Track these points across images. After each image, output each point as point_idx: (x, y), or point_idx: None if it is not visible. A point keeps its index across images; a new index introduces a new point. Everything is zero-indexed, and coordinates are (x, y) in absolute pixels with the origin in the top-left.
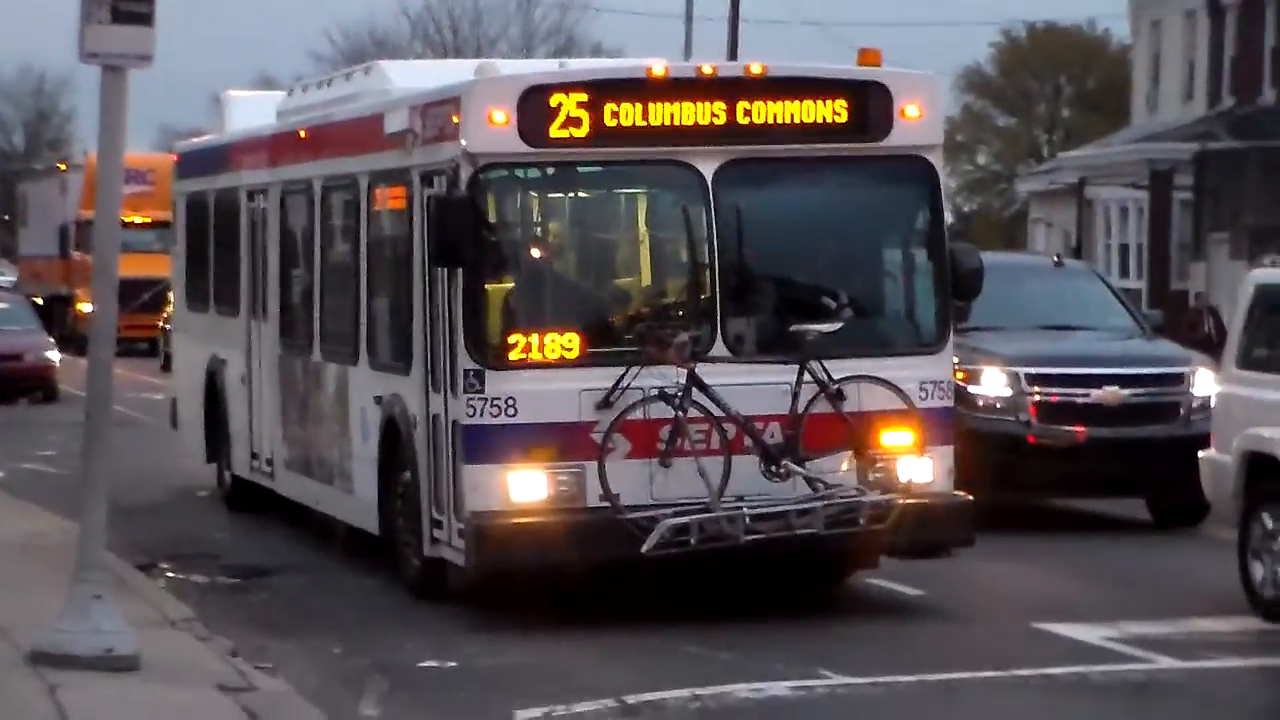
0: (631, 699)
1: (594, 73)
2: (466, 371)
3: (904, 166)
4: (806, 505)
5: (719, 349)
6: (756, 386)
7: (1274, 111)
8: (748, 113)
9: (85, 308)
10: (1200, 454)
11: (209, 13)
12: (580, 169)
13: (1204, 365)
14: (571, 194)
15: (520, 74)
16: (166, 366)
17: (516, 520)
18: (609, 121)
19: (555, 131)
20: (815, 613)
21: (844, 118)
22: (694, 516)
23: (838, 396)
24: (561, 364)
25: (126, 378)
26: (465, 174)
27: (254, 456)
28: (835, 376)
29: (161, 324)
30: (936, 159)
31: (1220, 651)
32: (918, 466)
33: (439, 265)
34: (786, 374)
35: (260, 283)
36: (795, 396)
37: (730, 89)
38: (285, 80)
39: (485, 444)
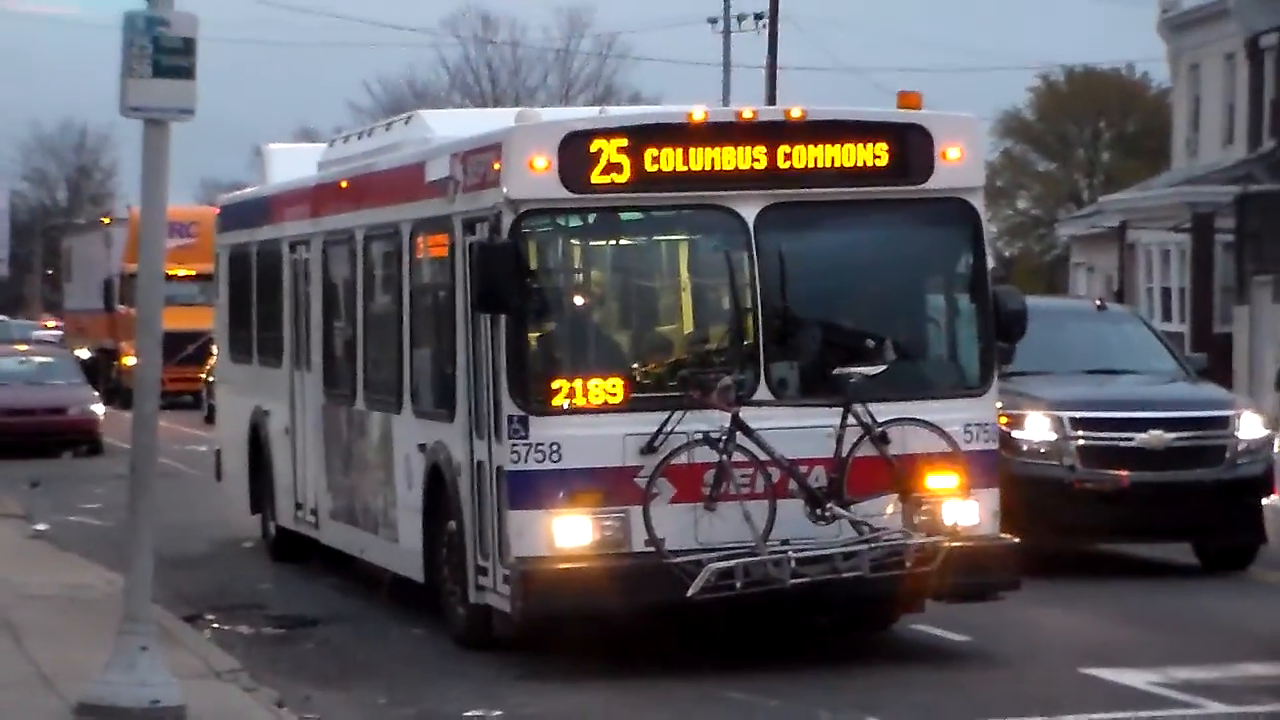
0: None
1: (634, 118)
2: (510, 417)
3: (946, 208)
4: (852, 548)
5: (762, 393)
6: (800, 430)
7: None
8: (788, 156)
9: (130, 361)
10: (1265, 500)
11: (249, 66)
12: (621, 214)
13: (1249, 408)
14: (613, 239)
15: (561, 120)
16: (210, 419)
17: (562, 566)
18: (650, 167)
19: (596, 177)
20: (860, 659)
21: (885, 161)
22: (739, 560)
23: (882, 439)
24: (605, 409)
25: (170, 430)
26: (507, 220)
27: (299, 507)
28: (880, 419)
29: (205, 376)
30: (978, 201)
31: (1269, 696)
32: (963, 509)
33: (481, 312)
34: (830, 417)
35: (303, 333)
36: (839, 440)
37: (771, 133)
38: (326, 132)
39: (529, 490)
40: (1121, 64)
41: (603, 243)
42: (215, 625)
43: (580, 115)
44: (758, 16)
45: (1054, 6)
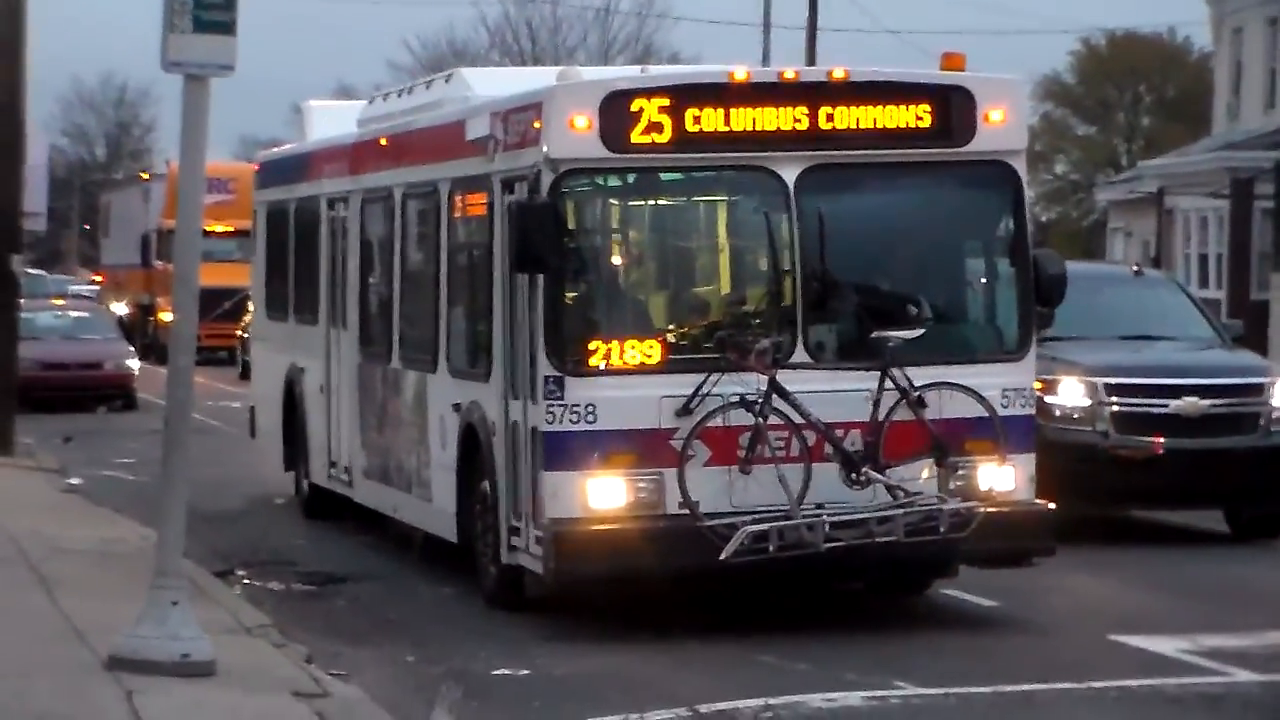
0: (704, 708)
1: (676, 78)
2: (546, 378)
3: (987, 171)
4: (887, 513)
5: (800, 355)
6: (837, 393)
7: None
8: (830, 118)
9: (166, 316)
10: None
11: (289, 23)
12: (661, 175)
13: None
14: (652, 200)
15: (602, 79)
16: (245, 375)
17: (595, 527)
18: (690, 127)
19: (637, 137)
20: (890, 623)
21: (927, 123)
22: (773, 524)
23: (919, 404)
24: (641, 370)
25: (206, 386)
26: (546, 180)
27: (332, 465)
28: (917, 383)
29: (240, 333)
30: (1020, 164)
31: None
32: (999, 475)
33: (520, 271)
34: (868, 381)
35: (340, 291)
36: (876, 403)
37: (812, 94)
38: (364, 90)
39: (564, 451)
40: (1163, 28)
41: (642, 203)
42: (246, 581)
43: (621, 74)
44: None
45: None
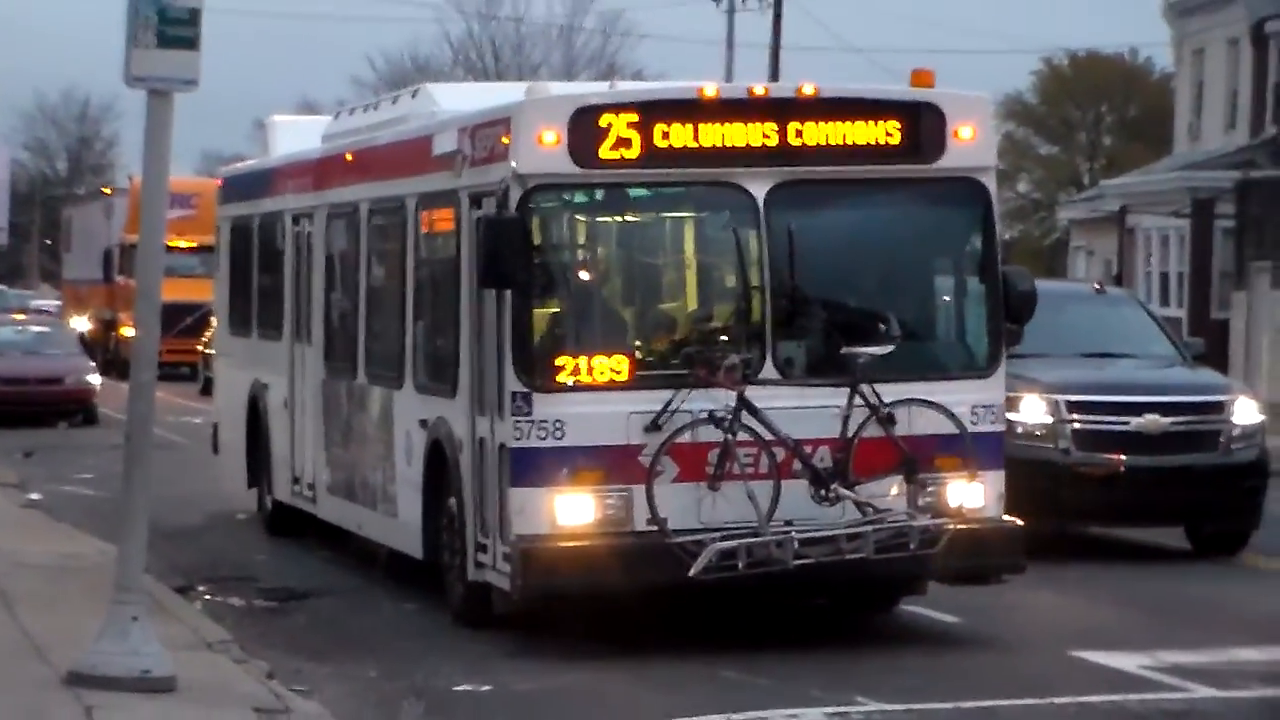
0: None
1: (645, 93)
2: (514, 394)
3: (957, 188)
4: (856, 530)
5: (769, 372)
6: (806, 410)
7: None
8: (800, 134)
9: (128, 331)
10: None
11: (253, 38)
12: (630, 191)
13: (1244, 394)
14: (621, 216)
15: (570, 94)
16: (207, 391)
17: (563, 544)
18: (660, 143)
19: (605, 153)
20: (852, 639)
21: (897, 139)
22: (742, 540)
23: (888, 420)
24: (610, 387)
25: (167, 401)
26: (515, 195)
27: (296, 481)
28: (887, 400)
29: (202, 348)
30: (990, 180)
31: (1257, 681)
32: (969, 491)
33: (487, 287)
34: (837, 397)
35: (304, 307)
36: (846, 420)
37: (782, 110)
38: (328, 106)
39: (532, 467)
40: (1125, 48)
41: (611, 219)
42: (207, 597)
43: (590, 90)
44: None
45: None
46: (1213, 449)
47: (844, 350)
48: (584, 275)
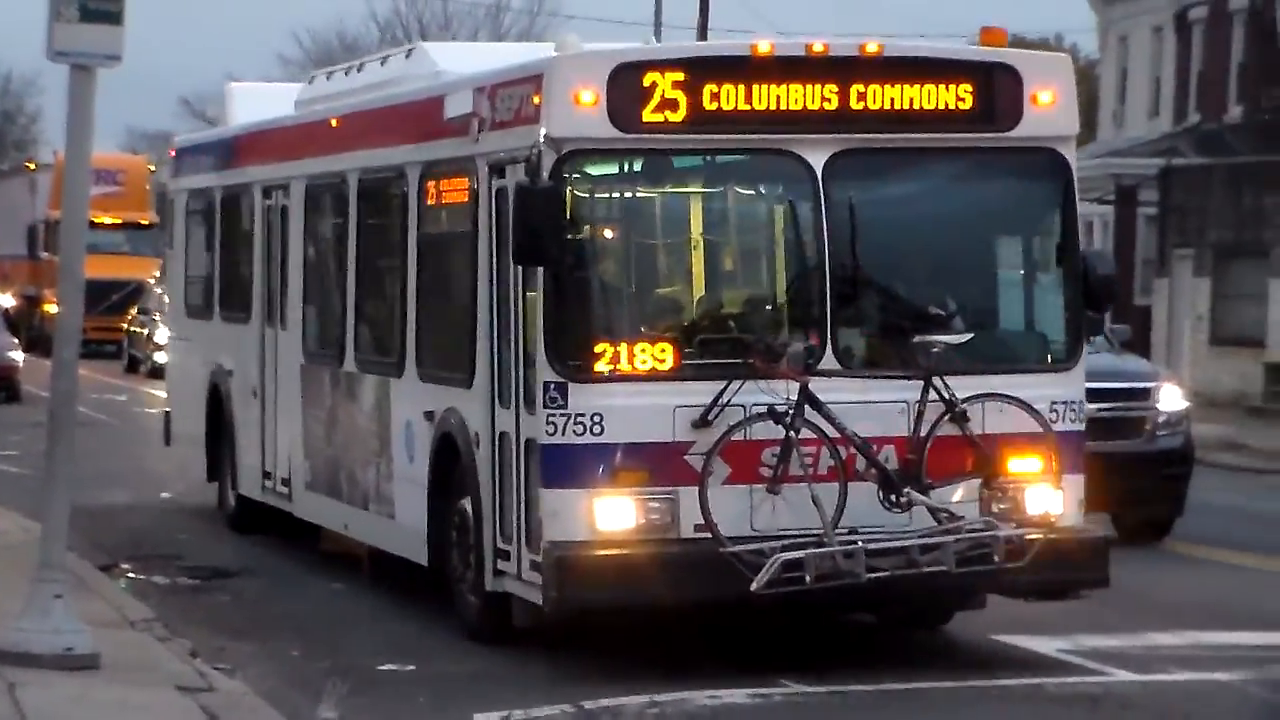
0: (589, 704)
1: (692, 50)
2: (547, 384)
3: (1035, 159)
4: (933, 540)
5: (829, 362)
6: (870, 404)
7: (1240, 128)
8: (862, 97)
9: (52, 308)
10: None
11: (176, 14)
12: (675, 158)
13: (1169, 381)
14: (665, 186)
15: (610, 49)
16: (131, 368)
17: (602, 552)
18: (708, 105)
19: (649, 115)
20: (774, 621)
21: (969, 104)
22: (809, 551)
23: (964, 417)
24: (653, 377)
25: (91, 379)
26: (548, 162)
27: (267, 476)
28: (961, 394)
29: (127, 326)
30: (1070, 151)
31: (1175, 665)
32: (1050, 497)
33: (519, 264)
34: (904, 391)
35: (277, 287)
36: (919, 417)
37: (842, 70)
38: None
39: (567, 466)
40: (1050, 34)
41: (654, 190)
42: (130, 575)
43: (630, 46)
44: None
45: None
46: (1138, 435)
47: (916, 339)
48: (624, 252)
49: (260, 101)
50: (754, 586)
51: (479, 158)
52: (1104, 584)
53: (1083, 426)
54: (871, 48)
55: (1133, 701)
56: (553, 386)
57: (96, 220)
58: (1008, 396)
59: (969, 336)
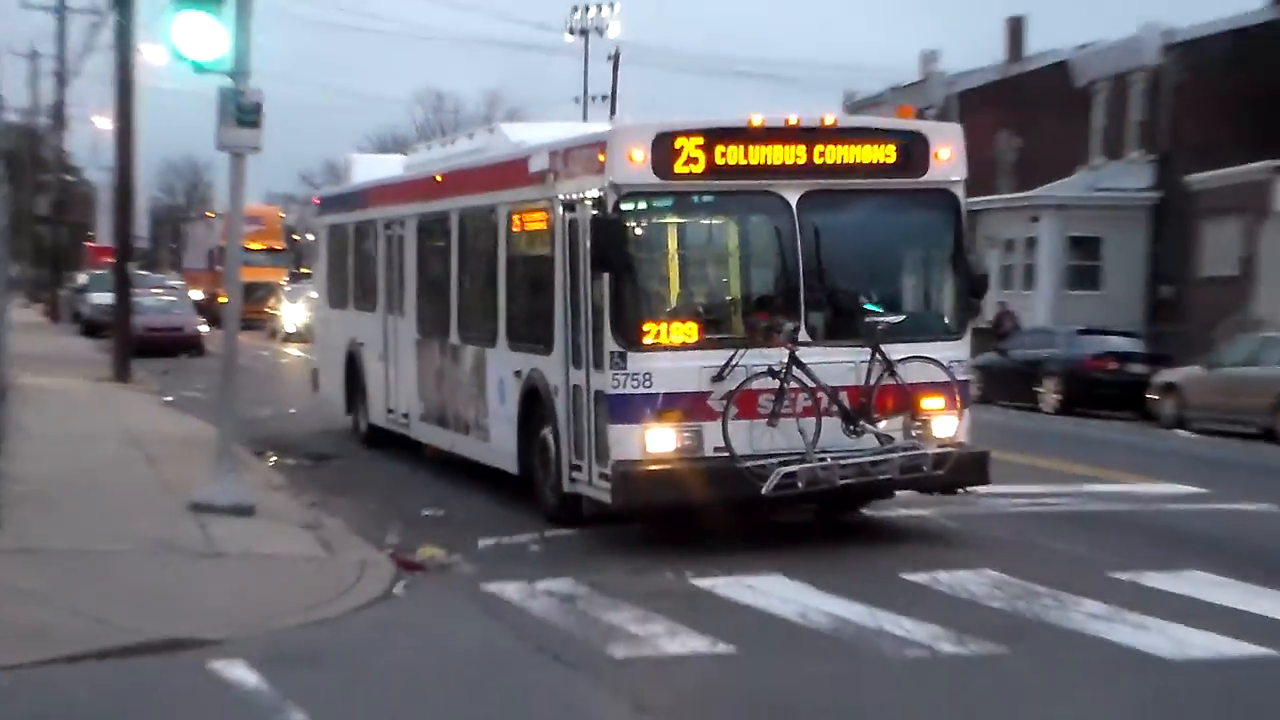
0: (549, 533)
1: (707, 123)
2: (612, 353)
3: (936, 197)
4: (883, 457)
5: (803, 336)
6: (834, 365)
7: None
8: (822, 154)
9: (223, 299)
10: None
11: (284, 121)
12: (696, 197)
13: None
14: (690, 216)
15: (651, 123)
16: (272, 336)
17: (652, 467)
18: (718, 160)
19: (678, 168)
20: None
21: (894, 159)
22: (800, 466)
23: (894, 372)
24: (684, 347)
25: (245, 342)
26: (610, 200)
27: (390, 411)
28: (895, 356)
29: (268, 309)
30: (960, 191)
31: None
32: (954, 424)
33: (597, 271)
34: (858, 354)
35: (396, 288)
36: (868, 372)
37: (809, 136)
38: (338, 163)
39: (626, 409)
40: None
41: (682, 218)
42: (273, 458)
43: (663, 121)
44: (605, 97)
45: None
46: None
47: (868, 319)
48: (663, 261)
49: (372, 166)
50: (764, 490)
51: (554, 199)
52: (986, 482)
53: (969, 376)
54: (829, 120)
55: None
56: (616, 354)
57: (247, 246)
58: (926, 357)
59: (904, 317)
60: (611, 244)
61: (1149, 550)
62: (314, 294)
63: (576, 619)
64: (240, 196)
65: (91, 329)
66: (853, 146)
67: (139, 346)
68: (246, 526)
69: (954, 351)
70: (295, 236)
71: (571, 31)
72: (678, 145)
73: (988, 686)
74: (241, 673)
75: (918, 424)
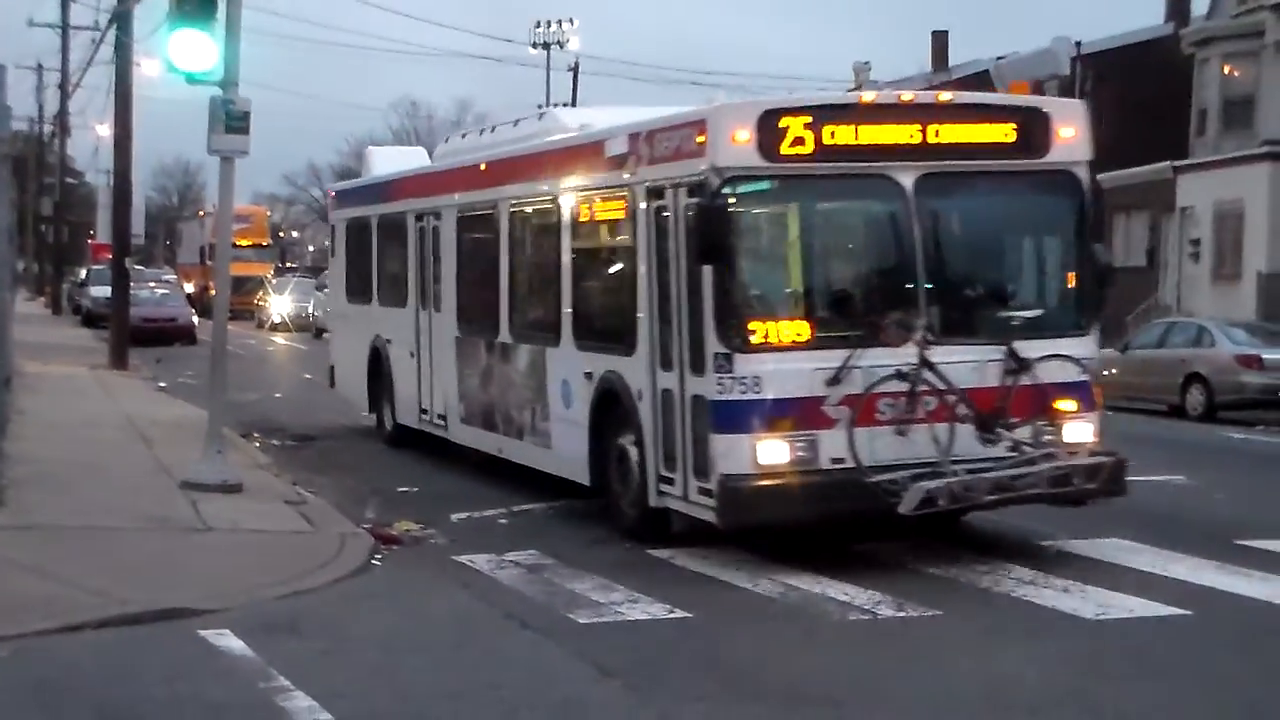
0: (516, 508)
1: (815, 99)
2: (716, 355)
3: (1059, 179)
4: (1029, 470)
5: (934, 334)
6: (964, 365)
7: None
8: (938, 133)
9: (213, 292)
10: None
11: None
12: (804, 180)
13: None
14: (797, 202)
15: (755, 100)
16: (260, 326)
17: (764, 482)
18: (827, 140)
19: (785, 149)
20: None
21: (1013, 138)
22: (945, 482)
23: (1031, 371)
24: (794, 347)
25: (234, 332)
26: (712, 186)
27: (423, 412)
28: (1029, 355)
29: (257, 301)
30: (1084, 173)
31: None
32: (1089, 428)
33: (702, 264)
34: (991, 353)
35: (429, 282)
36: (1004, 372)
37: (924, 113)
38: (323, 168)
39: (733, 416)
40: None
41: (789, 205)
42: (259, 440)
43: (767, 98)
44: (566, 104)
45: None
46: None
47: (1002, 314)
48: (770, 253)
49: (393, 158)
50: (901, 510)
51: (635, 185)
52: (1123, 494)
53: (1093, 376)
54: (944, 97)
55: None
56: (720, 357)
57: (237, 242)
58: (1063, 355)
59: (1037, 313)
60: (717, 234)
61: (1073, 520)
62: (324, 288)
63: (542, 587)
64: (230, 197)
65: (91, 320)
66: (970, 125)
67: (135, 336)
68: (235, 503)
69: (1084, 348)
70: (280, 233)
71: (535, 45)
72: (783, 124)
73: (925, 646)
74: (230, 641)
75: (1049, 428)
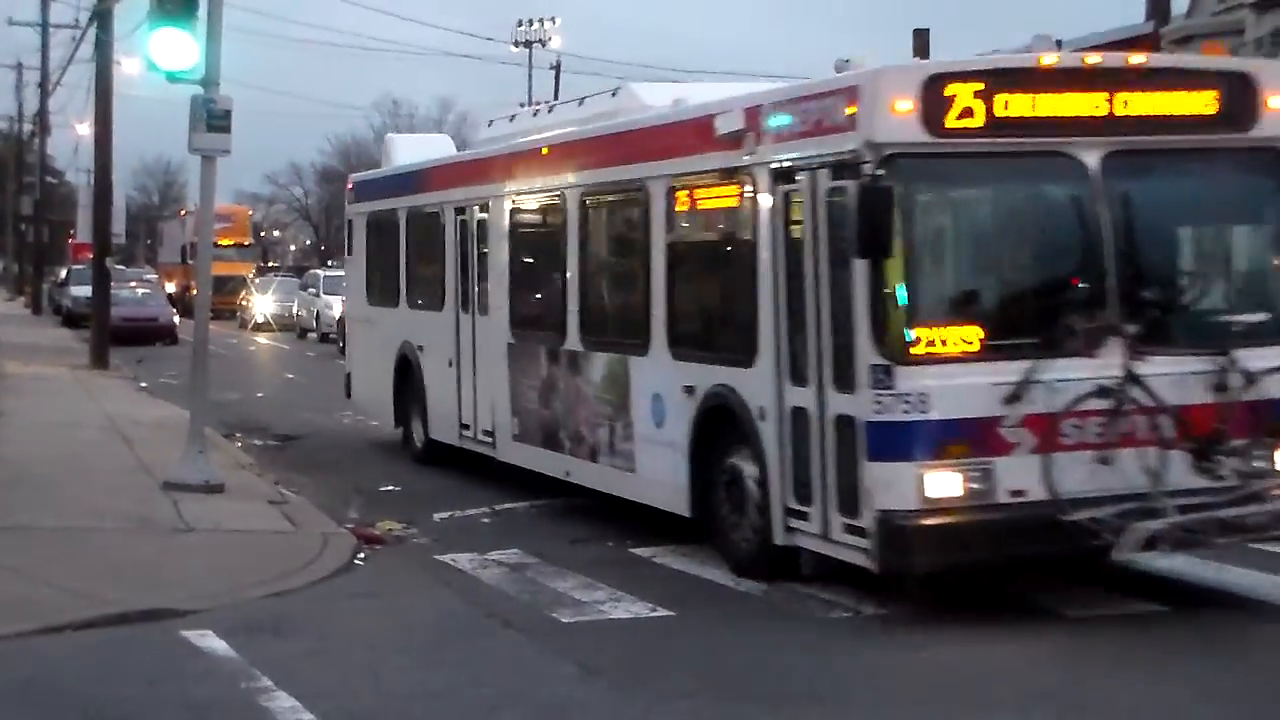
0: (498, 507)
1: (988, 62)
2: (874, 367)
3: (1269, 157)
4: (1263, 509)
5: (1137, 342)
6: (1174, 377)
7: None
8: (1126, 104)
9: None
10: None
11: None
12: (974, 158)
13: None
14: (965, 184)
15: (920, 64)
16: (242, 325)
17: (932, 521)
18: (1000, 111)
19: (951, 121)
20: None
21: (1214, 109)
22: (1166, 521)
23: (1257, 386)
24: (966, 358)
25: (215, 332)
26: (869, 165)
27: (465, 427)
28: (1253, 366)
29: (239, 301)
30: None
31: None
32: None
33: (865, 257)
34: (1208, 364)
35: (474, 282)
36: (1223, 388)
37: (1111, 80)
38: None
39: (894, 441)
40: None
41: (956, 188)
42: (241, 439)
43: (933, 61)
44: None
45: None
46: None
47: (1224, 318)
48: (936, 245)
49: (417, 146)
50: (1118, 555)
51: (756, 166)
52: None
53: None
54: (1135, 59)
55: None
56: (878, 369)
57: (218, 242)
58: None
59: (1268, 316)
60: (880, 222)
61: None
62: (309, 288)
63: (525, 586)
64: (211, 196)
65: (72, 320)
66: (1164, 94)
67: (116, 336)
68: (217, 503)
69: None
70: (262, 233)
71: (516, 44)
72: (950, 92)
73: (909, 643)
74: (212, 641)
75: (1262, 454)
